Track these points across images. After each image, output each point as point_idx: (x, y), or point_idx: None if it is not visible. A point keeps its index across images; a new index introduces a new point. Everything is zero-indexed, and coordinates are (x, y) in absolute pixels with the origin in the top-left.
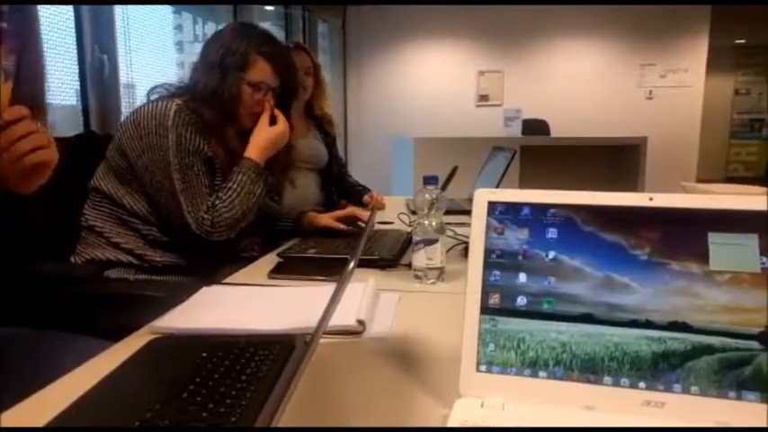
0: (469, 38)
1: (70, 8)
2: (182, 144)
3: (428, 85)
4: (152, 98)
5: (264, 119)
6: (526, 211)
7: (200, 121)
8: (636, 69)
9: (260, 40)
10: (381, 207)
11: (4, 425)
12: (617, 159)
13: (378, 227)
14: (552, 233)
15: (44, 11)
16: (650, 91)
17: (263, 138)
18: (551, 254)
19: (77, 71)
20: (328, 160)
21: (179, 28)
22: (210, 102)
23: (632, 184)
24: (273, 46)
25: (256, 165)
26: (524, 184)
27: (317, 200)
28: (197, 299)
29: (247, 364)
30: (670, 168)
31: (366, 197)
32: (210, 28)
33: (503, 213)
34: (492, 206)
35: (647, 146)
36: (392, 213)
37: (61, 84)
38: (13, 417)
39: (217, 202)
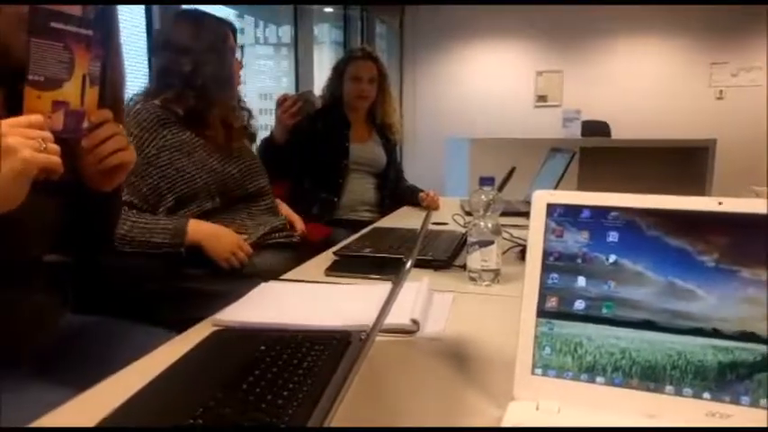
0: (527, 37)
1: (142, 11)
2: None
3: (485, 86)
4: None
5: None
6: (586, 213)
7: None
8: (705, 68)
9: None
10: (436, 206)
11: (75, 409)
12: (683, 162)
13: (432, 227)
14: (613, 237)
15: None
16: (721, 90)
17: (211, 234)
18: (612, 258)
19: (147, 74)
20: (386, 164)
21: (240, 31)
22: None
23: (699, 188)
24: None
25: (182, 235)
26: (583, 186)
27: (371, 201)
28: (256, 294)
29: (304, 358)
30: (740, 172)
31: (422, 194)
32: (271, 31)
33: (562, 215)
34: (551, 208)
35: (716, 148)
36: (446, 214)
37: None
38: (81, 403)
39: (129, 212)
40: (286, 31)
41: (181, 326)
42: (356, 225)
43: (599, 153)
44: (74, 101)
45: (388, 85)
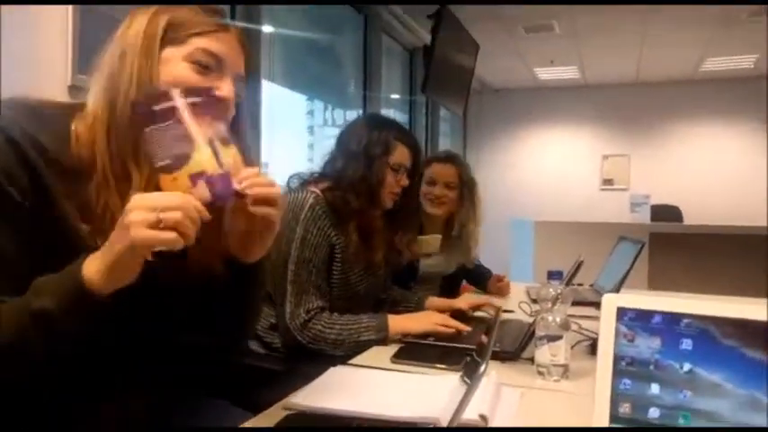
0: (593, 122)
1: None
2: (306, 239)
3: (550, 169)
4: (291, 185)
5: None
6: (658, 318)
7: (341, 209)
8: None
9: (397, 128)
10: (506, 293)
11: None
12: (762, 249)
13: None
14: (687, 344)
15: None
16: None
17: (408, 325)
18: (686, 366)
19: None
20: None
21: (311, 113)
22: (357, 187)
23: None
24: (407, 134)
25: (385, 329)
26: (654, 274)
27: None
28: (327, 378)
29: None
30: None
31: (493, 278)
32: (339, 114)
33: (633, 320)
34: (621, 312)
35: None
36: (513, 302)
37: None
38: None
39: (323, 314)
40: (352, 115)
41: (249, 405)
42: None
43: (670, 239)
44: (210, 167)
45: (478, 194)
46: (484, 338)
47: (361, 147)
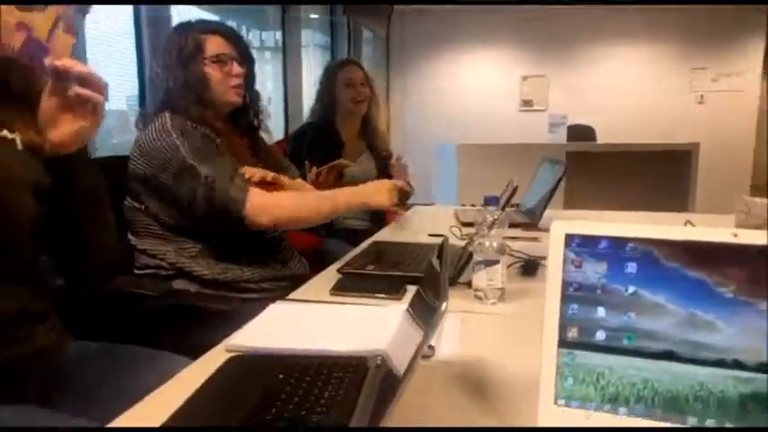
0: (512, 43)
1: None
2: (188, 134)
3: (471, 92)
4: (139, 127)
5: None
6: (604, 244)
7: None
8: (686, 73)
9: (203, 23)
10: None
11: None
12: (668, 166)
13: (429, 240)
14: (632, 267)
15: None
16: (702, 96)
17: (365, 192)
18: (631, 288)
19: (137, 81)
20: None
21: None
22: (187, 96)
23: (684, 192)
24: (217, 24)
25: (341, 202)
26: (571, 191)
27: (364, 210)
28: (267, 316)
29: (324, 387)
30: (723, 175)
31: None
32: (255, 36)
33: (580, 246)
34: (569, 238)
35: (700, 152)
36: (443, 226)
37: (116, 93)
38: None
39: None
40: (269, 36)
41: (190, 349)
42: (349, 234)
43: (585, 158)
44: (40, 32)
45: (376, 88)
46: (434, 262)
47: (174, 56)
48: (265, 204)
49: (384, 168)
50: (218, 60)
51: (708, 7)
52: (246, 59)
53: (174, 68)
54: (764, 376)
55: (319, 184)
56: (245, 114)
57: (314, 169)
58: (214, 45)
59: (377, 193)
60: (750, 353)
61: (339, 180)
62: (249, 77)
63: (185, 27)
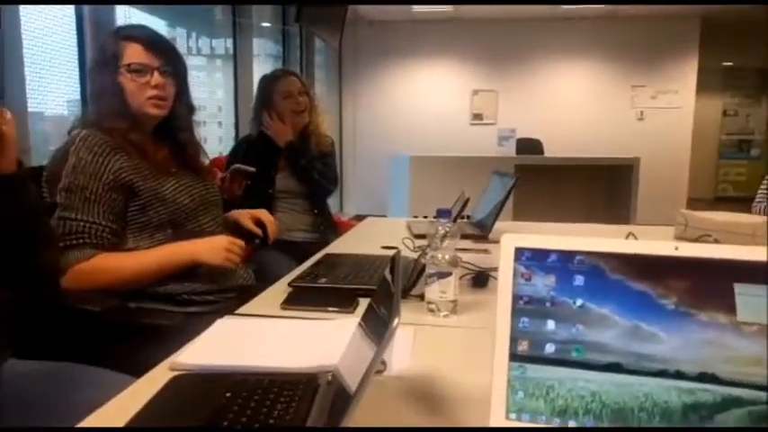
0: (464, 58)
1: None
2: (78, 166)
3: (423, 104)
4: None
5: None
6: (553, 257)
7: (108, 132)
8: (627, 91)
9: (128, 28)
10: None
11: None
12: (611, 179)
13: (382, 252)
14: (579, 280)
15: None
16: (641, 112)
17: (196, 250)
18: (579, 301)
19: (78, 86)
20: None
21: (173, 41)
22: (102, 106)
23: (626, 204)
24: (139, 30)
25: (167, 262)
26: (519, 203)
27: (308, 223)
28: (214, 332)
29: (273, 406)
30: (662, 188)
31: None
32: (205, 43)
33: (530, 259)
34: (519, 252)
35: (640, 166)
36: (395, 237)
37: (56, 97)
38: None
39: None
40: (220, 44)
41: (134, 367)
42: (291, 247)
43: (533, 170)
44: None
45: (314, 94)
46: (387, 276)
47: (94, 62)
48: (85, 271)
49: (325, 165)
50: (135, 70)
51: (646, 26)
52: (176, 70)
53: (92, 75)
54: (704, 386)
55: (225, 191)
56: (171, 128)
57: (219, 174)
58: (132, 53)
59: (209, 251)
60: (691, 363)
61: (245, 186)
62: (180, 88)
63: (112, 32)
